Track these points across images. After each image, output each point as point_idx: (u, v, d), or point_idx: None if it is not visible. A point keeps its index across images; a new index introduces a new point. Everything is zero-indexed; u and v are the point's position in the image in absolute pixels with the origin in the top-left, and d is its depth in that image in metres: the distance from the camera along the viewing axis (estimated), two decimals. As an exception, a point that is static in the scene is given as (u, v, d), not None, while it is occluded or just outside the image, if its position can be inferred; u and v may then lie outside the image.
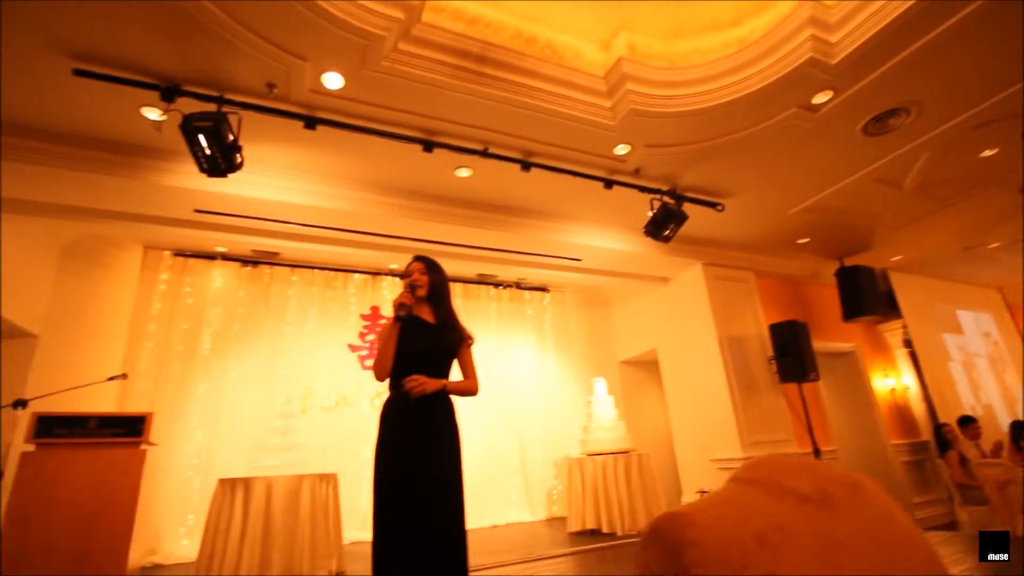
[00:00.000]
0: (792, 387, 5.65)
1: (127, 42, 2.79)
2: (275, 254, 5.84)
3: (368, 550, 2.08)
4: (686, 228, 4.55)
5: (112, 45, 2.80)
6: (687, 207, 4.50)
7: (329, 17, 2.73)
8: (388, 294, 6.47)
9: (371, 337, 6.30)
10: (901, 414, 7.14)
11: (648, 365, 7.07)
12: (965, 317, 7.72)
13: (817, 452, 5.38)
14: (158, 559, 4.63)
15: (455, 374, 2.38)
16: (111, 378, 4.00)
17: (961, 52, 3.17)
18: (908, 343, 7.22)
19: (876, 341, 7.49)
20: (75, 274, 4.69)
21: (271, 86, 3.15)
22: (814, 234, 5.84)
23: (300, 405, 5.60)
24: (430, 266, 2.45)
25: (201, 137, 3.00)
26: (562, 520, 5.85)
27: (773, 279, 6.49)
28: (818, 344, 5.99)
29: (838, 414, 6.92)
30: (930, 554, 0.88)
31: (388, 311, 6.25)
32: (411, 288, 2.36)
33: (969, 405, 6.77)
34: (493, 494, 6.16)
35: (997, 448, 5.39)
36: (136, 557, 4.36)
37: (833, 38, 3.19)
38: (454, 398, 2.32)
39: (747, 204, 4.99)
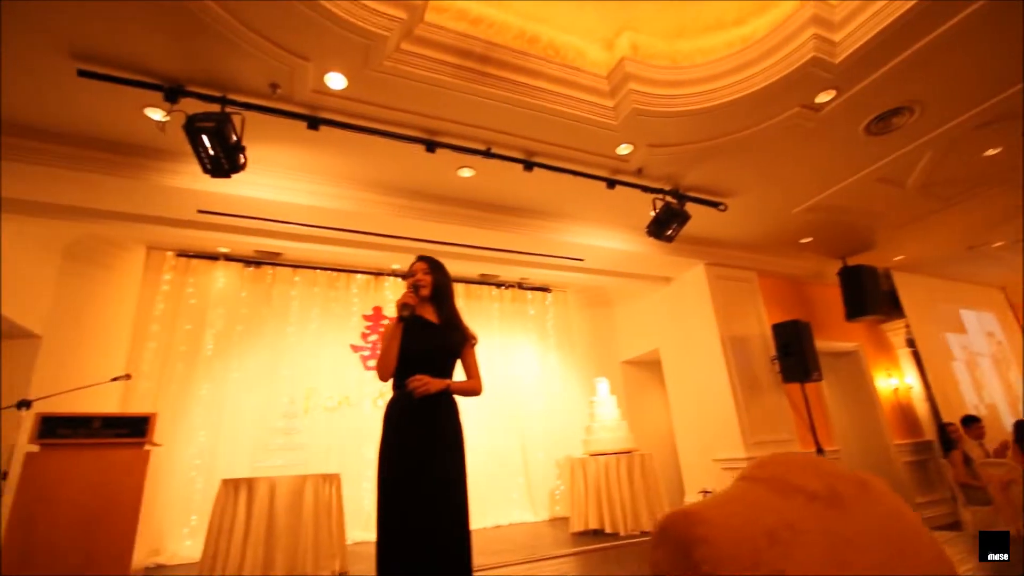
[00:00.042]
0: (795, 387, 5.64)
1: (128, 42, 2.80)
2: (278, 254, 5.85)
3: (372, 550, 2.08)
4: (689, 228, 4.54)
5: (113, 45, 2.81)
6: (690, 207, 4.49)
7: (332, 17, 2.73)
8: (391, 294, 6.47)
9: (373, 337, 6.30)
10: (904, 414, 7.13)
11: (651, 365, 7.06)
12: (968, 316, 7.70)
13: (820, 452, 5.36)
14: (162, 559, 4.64)
15: (459, 374, 2.38)
16: (115, 379, 4.02)
17: (963, 52, 3.17)
18: (911, 343, 7.21)
19: (879, 341, 7.47)
20: (78, 275, 4.70)
21: (274, 86, 3.16)
22: (817, 233, 5.83)
23: (303, 405, 5.60)
24: (433, 266, 2.44)
25: (204, 138, 3.00)
26: (565, 520, 5.84)
27: (776, 279, 6.48)
28: (821, 344, 5.98)
29: (841, 414, 6.91)
30: (939, 552, 0.88)
31: (391, 311, 6.27)
32: (414, 288, 2.35)
33: (972, 405, 6.74)
34: (496, 494, 6.16)
35: (1003, 448, 5.35)
36: (140, 557, 4.36)
37: (836, 37, 3.20)
38: (458, 398, 2.32)
39: (750, 204, 4.99)
